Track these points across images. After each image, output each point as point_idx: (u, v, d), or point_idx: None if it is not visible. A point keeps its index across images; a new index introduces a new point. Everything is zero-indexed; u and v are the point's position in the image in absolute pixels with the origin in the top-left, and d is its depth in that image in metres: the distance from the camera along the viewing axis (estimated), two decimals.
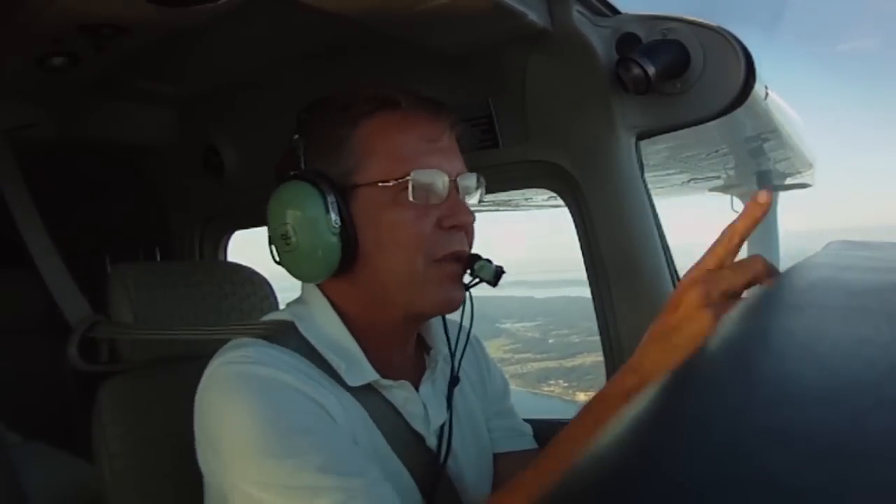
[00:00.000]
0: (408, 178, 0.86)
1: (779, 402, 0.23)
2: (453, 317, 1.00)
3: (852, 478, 0.18)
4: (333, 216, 0.86)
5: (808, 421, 0.22)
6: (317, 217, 0.86)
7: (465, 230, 0.92)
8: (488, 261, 0.91)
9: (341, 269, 0.89)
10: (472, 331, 1.01)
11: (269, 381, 0.79)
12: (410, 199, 0.86)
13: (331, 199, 0.86)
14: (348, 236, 0.87)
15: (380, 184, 0.87)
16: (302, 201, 0.87)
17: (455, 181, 0.90)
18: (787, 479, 0.19)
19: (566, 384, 6.63)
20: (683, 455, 0.21)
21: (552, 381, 6.74)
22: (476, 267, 0.91)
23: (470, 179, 0.94)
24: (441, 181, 0.89)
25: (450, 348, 1.00)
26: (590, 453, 0.24)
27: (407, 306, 0.90)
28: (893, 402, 0.23)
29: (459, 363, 0.99)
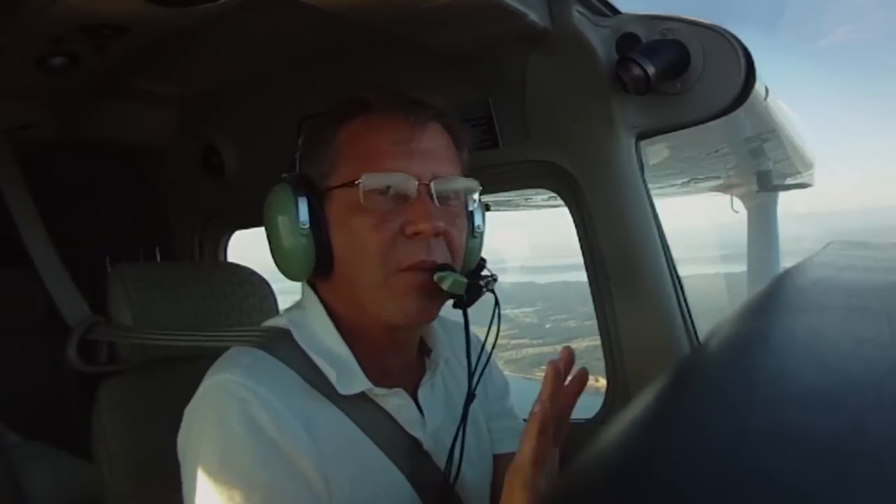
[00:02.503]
0: (358, 181, 0.84)
1: (779, 402, 0.23)
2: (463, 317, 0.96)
3: (852, 478, 0.18)
4: (301, 218, 0.87)
5: (808, 421, 0.22)
6: (289, 218, 0.87)
7: (443, 237, 0.87)
8: (457, 272, 0.86)
9: (321, 271, 0.89)
10: (471, 320, 0.97)
11: (232, 420, 0.80)
12: (361, 203, 0.84)
13: (301, 200, 0.87)
14: (321, 239, 0.87)
15: (343, 187, 0.86)
16: (278, 203, 0.89)
17: (428, 185, 0.86)
18: (787, 479, 0.19)
19: None
20: (683, 455, 0.21)
21: (544, 367, 6.73)
22: (435, 278, 0.84)
23: (448, 183, 0.88)
24: (404, 185, 0.85)
25: (469, 362, 0.94)
26: (590, 453, 0.24)
27: (379, 315, 0.88)
28: (893, 402, 0.23)
29: (478, 381, 0.94)
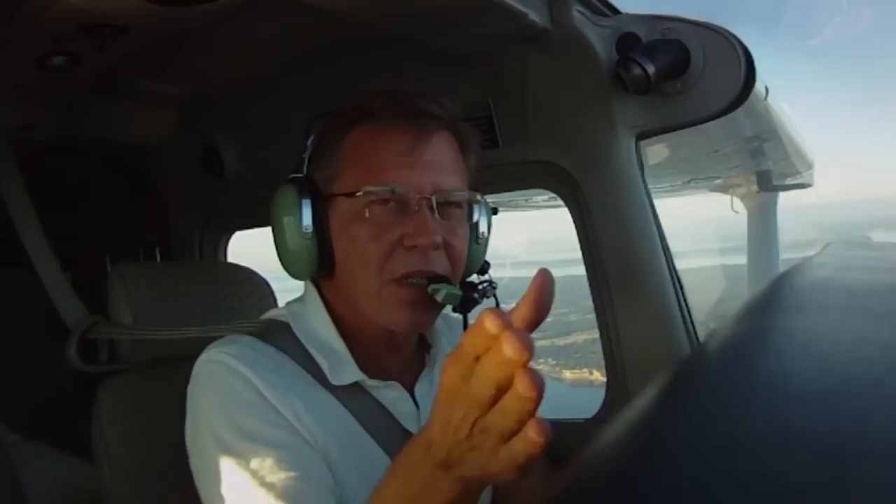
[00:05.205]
0: (359, 193, 0.86)
1: (779, 403, 0.23)
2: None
3: (852, 478, 0.18)
4: (304, 222, 0.88)
5: (808, 421, 0.22)
6: (293, 221, 0.89)
7: (442, 250, 0.88)
8: (452, 284, 0.87)
9: (323, 272, 0.91)
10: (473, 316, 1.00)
11: (233, 383, 0.83)
12: (362, 213, 0.86)
13: (305, 204, 0.89)
14: (322, 243, 0.89)
15: (345, 196, 0.88)
16: (283, 205, 0.90)
17: (429, 198, 0.86)
18: (787, 479, 0.19)
19: (554, 362, 6.68)
20: (683, 455, 0.21)
21: (541, 360, 6.79)
22: (430, 290, 0.85)
23: (449, 196, 0.89)
24: (404, 197, 0.86)
25: None
26: (590, 453, 0.24)
27: (376, 320, 0.90)
28: (893, 402, 0.23)
29: None
